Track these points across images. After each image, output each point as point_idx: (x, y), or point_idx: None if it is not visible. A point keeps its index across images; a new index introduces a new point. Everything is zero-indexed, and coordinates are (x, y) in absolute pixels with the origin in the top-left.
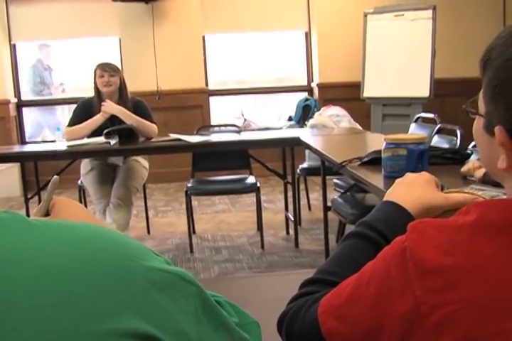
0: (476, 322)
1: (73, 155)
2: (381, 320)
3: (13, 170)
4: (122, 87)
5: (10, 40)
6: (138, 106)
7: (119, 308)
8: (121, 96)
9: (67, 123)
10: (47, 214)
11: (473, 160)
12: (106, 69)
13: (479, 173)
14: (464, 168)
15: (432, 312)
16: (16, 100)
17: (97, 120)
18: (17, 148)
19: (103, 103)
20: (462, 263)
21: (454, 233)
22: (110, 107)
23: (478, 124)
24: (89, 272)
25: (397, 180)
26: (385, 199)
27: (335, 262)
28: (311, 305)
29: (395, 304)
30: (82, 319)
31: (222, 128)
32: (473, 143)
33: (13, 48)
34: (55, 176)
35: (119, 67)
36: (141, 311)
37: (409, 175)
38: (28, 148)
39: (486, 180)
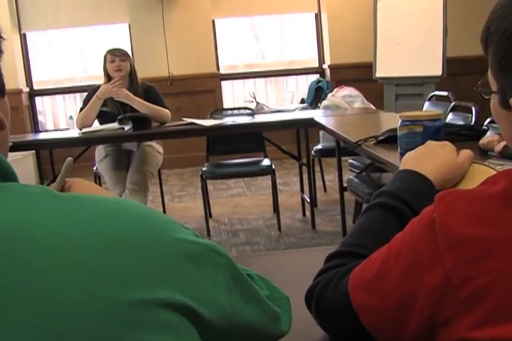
0: (510, 292)
1: (88, 141)
2: (412, 293)
3: (28, 158)
4: (132, 72)
5: (20, 30)
6: (149, 91)
7: (152, 279)
8: (132, 82)
9: (78, 111)
10: None
11: (492, 134)
12: (116, 53)
13: (499, 147)
14: (483, 140)
15: (463, 284)
16: (28, 89)
17: (95, 102)
18: (31, 137)
19: (111, 84)
20: (492, 233)
21: (483, 203)
22: (122, 95)
23: (494, 102)
24: (120, 244)
25: (418, 148)
26: (403, 165)
27: (360, 234)
28: (341, 279)
29: (426, 277)
30: (114, 288)
31: (236, 112)
32: (488, 120)
33: (23, 38)
34: (69, 158)
35: (129, 53)
36: (174, 282)
37: (431, 144)
38: (43, 136)
39: (505, 154)
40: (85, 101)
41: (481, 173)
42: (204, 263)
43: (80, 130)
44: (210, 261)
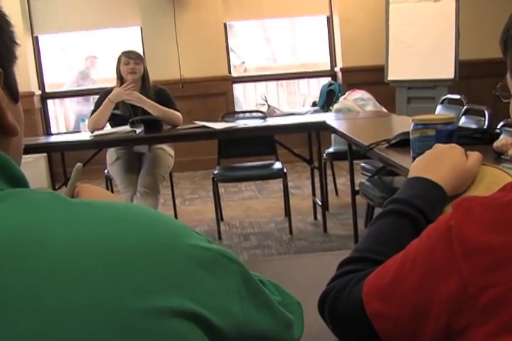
0: None
1: (99, 144)
2: (428, 301)
3: (40, 161)
4: (145, 75)
5: (32, 33)
6: (160, 94)
7: (164, 286)
8: (144, 85)
9: (90, 114)
10: None
11: (505, 137)
12: (131, 56)
13: None
14: (497, 143)
15: (480, 293)
16: (40, 92)
17: (107, 105)
18: (43, 139)
19: (123, 87)
20: (510, 241)
21: (501, 210)
22: (134, 97)
23: None
24: (131, 250)
25: (426, 152)
26: (413, 172)
27: (373, 240)
28: (356, 285)
29: (442, 285)
30: (126, 296)
31: (247, 115)
32: (501, 123)
33: (35, 40)
34: (79, 163)
35: (143, 56)
36: (186, 289)
37: (439, 147)
38: (54, 138)
39: None
40: (97, 104)
41: (491, 175)
42: (216, 270)
43: (92, 133)
44: (222, 267)
